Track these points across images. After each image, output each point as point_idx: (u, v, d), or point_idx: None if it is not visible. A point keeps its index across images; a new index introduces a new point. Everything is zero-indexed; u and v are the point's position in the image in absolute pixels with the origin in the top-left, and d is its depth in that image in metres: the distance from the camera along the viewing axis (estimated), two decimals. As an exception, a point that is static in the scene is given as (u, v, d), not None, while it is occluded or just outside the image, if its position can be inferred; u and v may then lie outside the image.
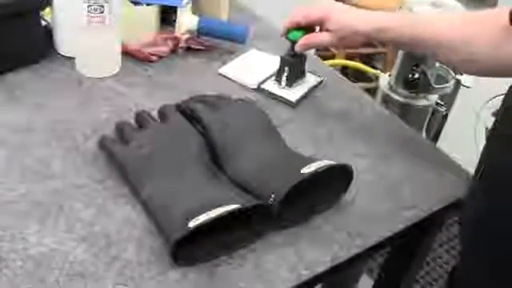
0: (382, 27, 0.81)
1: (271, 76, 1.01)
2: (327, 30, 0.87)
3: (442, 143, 2.10)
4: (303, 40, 0.90)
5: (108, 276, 0.63)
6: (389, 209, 0.77)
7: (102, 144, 0.78)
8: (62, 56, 0.98)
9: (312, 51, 2.22)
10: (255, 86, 0.99)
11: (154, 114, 0.83)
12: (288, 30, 0.92)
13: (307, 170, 0.70)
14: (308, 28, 0.90)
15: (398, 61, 1.49)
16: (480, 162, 0.72)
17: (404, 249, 0.93)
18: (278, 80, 0.98)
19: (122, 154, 0.75)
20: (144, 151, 0.75)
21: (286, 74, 0.97)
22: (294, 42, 0.92)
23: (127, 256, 0.65)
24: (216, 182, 0.74)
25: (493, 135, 0.72)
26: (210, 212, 0.64)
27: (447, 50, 0.75)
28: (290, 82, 0.97)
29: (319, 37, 0.89)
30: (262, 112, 0.86)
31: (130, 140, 0.77)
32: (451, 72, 1.71)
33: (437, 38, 0.76)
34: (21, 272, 0.62)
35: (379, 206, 0.78)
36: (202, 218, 0.63)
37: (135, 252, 0.66)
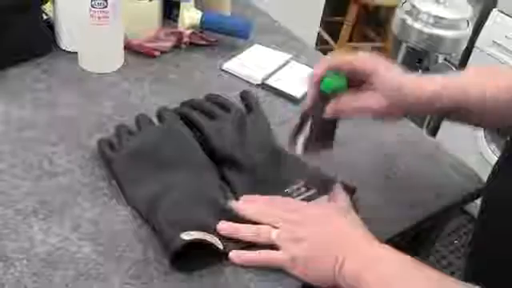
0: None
1: (275, 71, 1.00)
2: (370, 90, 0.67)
3: (441, 138, 2.11)
4: (350, 101, 0.67)
5: (115, 275, 0.62)
6: (394, 209, 0.77)
7: (98, 149, 0.77)
8: (65, 51, 0.97)
9: (312, 45, 2.21)
10: (259, 82, 0.98)
11: (157, 108, 0.82)
12: (322, 77, 0.67)
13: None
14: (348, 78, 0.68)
15: (400, 56, 1.50)
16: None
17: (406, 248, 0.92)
18: (293, 141, 0.72)
19: (112, 160, 0.74)
20: (130, 155, 0.74)
21: (305, 137, 0.71)
22: (326, 95, 0.68)
23: (134, 255, 0.65)
24: (207, 189, 0.73)
25: None
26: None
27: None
28: (312, 147, 0.71)
29: (369, 100, 0.67)
30: (264, 124, 0.84)
31: (122, 144, 0.76)
32: (452, 67, 1.72)
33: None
34: (27, 271, 0.61)
35: (384, 205, 0.77)
36: (196, 235, 0.63)
37: (142, 251, 0.65)
